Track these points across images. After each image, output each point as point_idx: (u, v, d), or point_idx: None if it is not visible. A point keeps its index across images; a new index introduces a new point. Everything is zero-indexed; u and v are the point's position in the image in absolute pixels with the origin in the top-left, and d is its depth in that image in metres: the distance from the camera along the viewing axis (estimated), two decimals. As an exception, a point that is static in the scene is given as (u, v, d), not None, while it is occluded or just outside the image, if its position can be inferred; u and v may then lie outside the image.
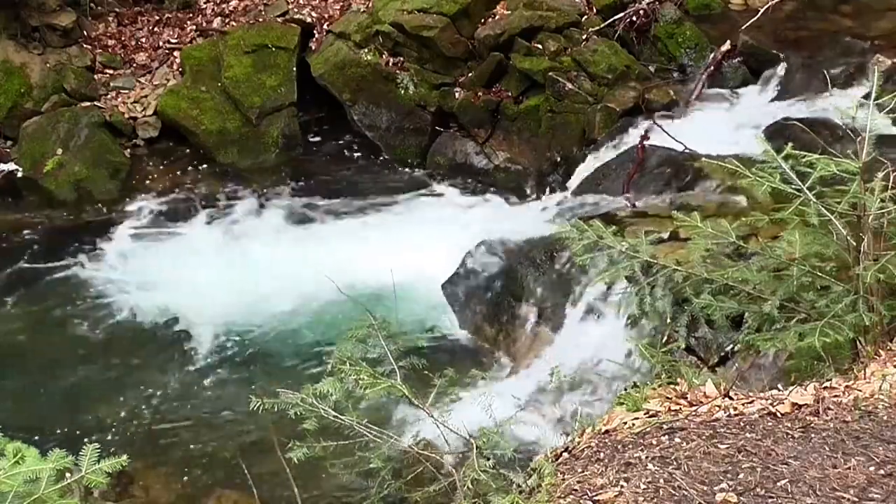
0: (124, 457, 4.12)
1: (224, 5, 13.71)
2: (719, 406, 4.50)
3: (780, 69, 11.60)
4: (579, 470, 4.12)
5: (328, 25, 13.24)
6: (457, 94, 12.52)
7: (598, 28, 12.36)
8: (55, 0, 12.84)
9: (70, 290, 10.93)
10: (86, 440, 4.23)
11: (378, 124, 12.73)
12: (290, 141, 12.92)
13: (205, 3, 13.78)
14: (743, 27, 11.89)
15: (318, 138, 13.18)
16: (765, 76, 11.72)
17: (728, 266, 5.79)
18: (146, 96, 13.02)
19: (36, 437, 7.87)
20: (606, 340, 8.55)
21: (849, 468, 3.97)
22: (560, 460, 4.32)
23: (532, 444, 6.50)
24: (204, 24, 13.58)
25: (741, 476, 3.95)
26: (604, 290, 8.77)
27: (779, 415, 4.37)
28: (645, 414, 4.56)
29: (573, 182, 11.40)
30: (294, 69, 12.96)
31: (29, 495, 3.89)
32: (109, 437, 8.84)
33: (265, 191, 12.33)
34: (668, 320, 6.56)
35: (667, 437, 4.26)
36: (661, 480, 3.94)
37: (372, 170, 12.62)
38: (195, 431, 9.10)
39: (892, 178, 5.49)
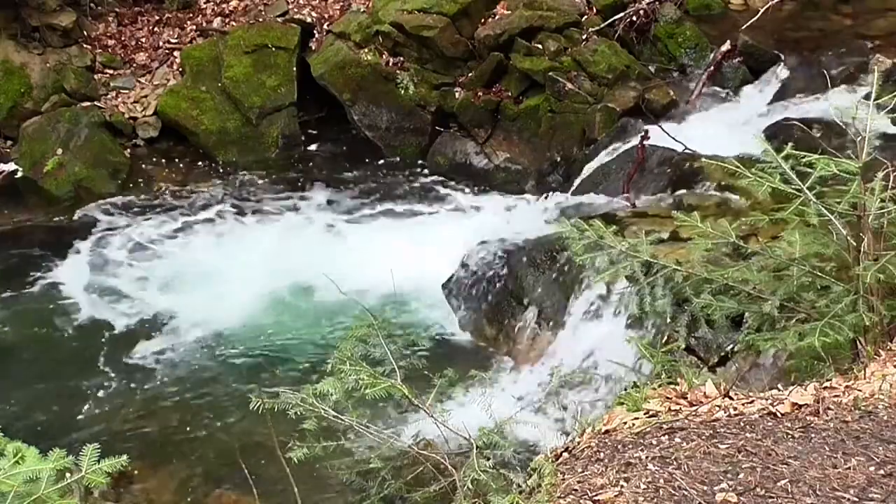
0: (124, 457, 4.13)
1: (224, 5, 13.71)
2: (719, 406, 4.50)
3: (780, 69, 11.61)
4: (579, 470, 4.12)
5: (328, 25, 13.24)
6: (457, 94, 12.52)
7: (598, 28, 12.36)
8: (55, 0, 12.84)
9: (69, 290, 10.93)
10: (86, 440, 4.22)
11: (378, 124, 12.73)
12: (290, 141, 12.92)
13: (205, 3, 13.78)
14: (743, 27, 11.90)
15: (318, 138, 13.18)
16: (765, 76, 11.72)
17: (728, 266, 5.79)
18: (146, 96, 13.02)
19: (36, 437, 7.85)
20: (606, 340, 8.55)
21: (849, 468, 3.97)
22: (560, 460, 4.31)
23: (532, 444, 6.49)
24: (204, 24, 13.58)
25: (741, 476, 3.95)
26: (604, 290, 8.77)
27: (779, 415, 4.37)
28: (645, 414, 4.56)
29: (574, 182, 11.41)
30: (294, 69, 12.96)
31: (29, 495, 3.90)
32: (109, 437, 8.83)
33: (265, 191, 12.33)
34: (668, 320, 6.56)
35: (667, 437, 4.26)
36: (661, 480, 3.94)
37: (372, 170, 12.63)
38: (195, 431, 9.09)
39: (892, 178, 5.49)
